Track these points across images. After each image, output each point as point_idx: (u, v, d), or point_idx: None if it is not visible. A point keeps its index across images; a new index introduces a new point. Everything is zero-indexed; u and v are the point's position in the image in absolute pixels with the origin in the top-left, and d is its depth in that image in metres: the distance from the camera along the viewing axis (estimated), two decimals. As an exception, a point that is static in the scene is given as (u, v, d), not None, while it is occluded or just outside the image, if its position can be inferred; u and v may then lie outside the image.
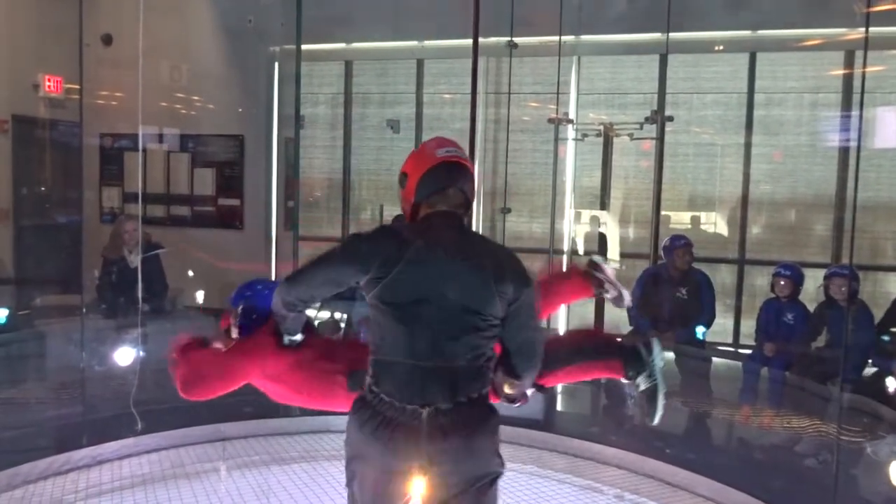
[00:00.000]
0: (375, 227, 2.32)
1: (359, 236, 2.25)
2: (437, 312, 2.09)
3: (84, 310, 5.10)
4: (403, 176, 2.25)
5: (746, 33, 7.20)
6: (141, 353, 4.88)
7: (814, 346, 5.41)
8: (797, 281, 5.45)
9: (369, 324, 2.17)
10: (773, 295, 5.57)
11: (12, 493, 3.84)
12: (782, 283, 5.42)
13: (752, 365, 5.46)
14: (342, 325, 5.47)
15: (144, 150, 8.25)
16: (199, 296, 6.99)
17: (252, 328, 2.56)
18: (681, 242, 5.73)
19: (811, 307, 5.51)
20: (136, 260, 5.69)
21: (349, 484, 2.22)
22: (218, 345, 2.62)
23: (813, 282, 5.96)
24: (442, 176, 2.21)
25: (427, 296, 2.09)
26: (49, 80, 7.62)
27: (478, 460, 2.13)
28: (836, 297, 5.12)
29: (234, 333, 2.61)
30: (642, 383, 2.54)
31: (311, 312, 2.68)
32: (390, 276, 2.08)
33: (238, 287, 2.71)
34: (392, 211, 6.69)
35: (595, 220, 7.76)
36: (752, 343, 5.87)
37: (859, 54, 6.75)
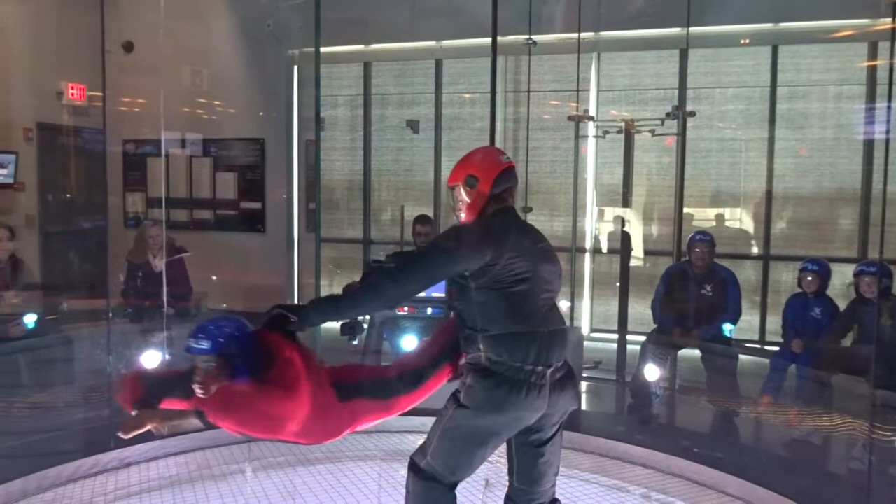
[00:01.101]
0: (472, 224, 2.62)
1: (469, 230, 2.60)
2: (542, 287, 2.56)
3: (110, 314, 5.15)
4: (473, 178, 2.62)
5: (768, 25, 7.11)
6: (167, 357, 4.92)
7: (842, 342, 5.31)
8: (825, 276, 5.36)
9: (475, 306, 2.50)
10: (799, 290, 5.48)
11: (42, 495, 3.89)
12: (809, 278, 5.33)
13: (780, 362, 5.38)
14: (365, 325, 5.47)
15: (167, 156, 8.33)
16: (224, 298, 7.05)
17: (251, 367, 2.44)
18: (701, 238, 5.65)
19: (838, 302, 5.42)
20: (160, 264, 5.73)
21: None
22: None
23: (839, 276, 5.87)
24: (511, 177, 2.68)
25: (534, 275, 2.52)
26: (72, 88, 7.73)
27: (573, 400, 2.66)
28: (867, 295, 5.02)
29: (214, 382, 2.44)
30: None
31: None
32: (502, 261, 2.46)
33: (207, 335, 2.48)
34: (412, 212, 6.69)
35: (617, 218, 7.72)
36: (779, 339, 5.79)
37: (883, 45, 6.65)
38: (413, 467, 2.62)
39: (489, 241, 2.48)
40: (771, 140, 7.17)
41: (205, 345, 2.46)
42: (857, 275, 5.13)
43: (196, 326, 2.53)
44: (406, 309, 5.63)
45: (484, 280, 2.47)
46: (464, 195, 2.64)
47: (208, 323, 2.55)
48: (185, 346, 2.51)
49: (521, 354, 2.46)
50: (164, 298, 5.14)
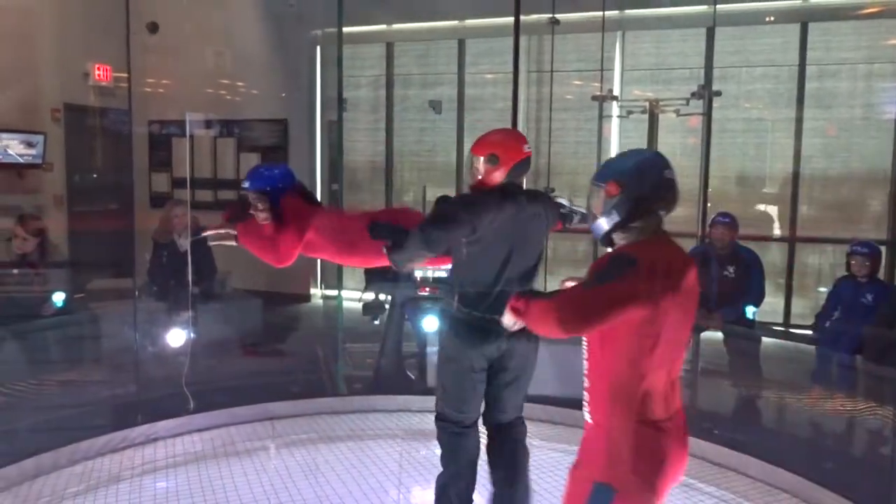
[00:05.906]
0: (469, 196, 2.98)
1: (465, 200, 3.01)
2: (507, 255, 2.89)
3: (137, 293, 5.23)
4: (495, 157, 2.84)
5: (797, 3, 6.98)
6: (192, 335, 4.99)
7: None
8: (875, 258, 5.21)
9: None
10: (846, 273, 5.33)
11: (73, 468, 3.98)
12: (856, 261, 5.15)
13: (825, 349, 5.21)
14: (386, 305, 5.51)
15: (191, 136, 8.39)
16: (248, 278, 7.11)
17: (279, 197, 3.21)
18: (721, 220, 5.58)
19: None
20: (185, 244, 5.79)
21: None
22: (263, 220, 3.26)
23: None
24: (525, 166, 2.93)
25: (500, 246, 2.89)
26: (99, 69, 7.80)
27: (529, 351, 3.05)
28: None
29: (264, 214, 3.23)
30: None
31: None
32: (477, 233, 2.80)
33: (250, 175, 3.33)
34: (434, 192, 6.68)
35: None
36: (804, 323, 5.70)
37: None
38: (435, 419, 3.01)
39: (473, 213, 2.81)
40: (799, 120, 7.05)
41: (251, 181, 3.27)
42: None
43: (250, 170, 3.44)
44: (427, 290, 5.65)
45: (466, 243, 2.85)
46: (481, 168, 2.87)
47: (261, 167, 3.44)
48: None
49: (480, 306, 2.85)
50: (190, 278, 5.21)
